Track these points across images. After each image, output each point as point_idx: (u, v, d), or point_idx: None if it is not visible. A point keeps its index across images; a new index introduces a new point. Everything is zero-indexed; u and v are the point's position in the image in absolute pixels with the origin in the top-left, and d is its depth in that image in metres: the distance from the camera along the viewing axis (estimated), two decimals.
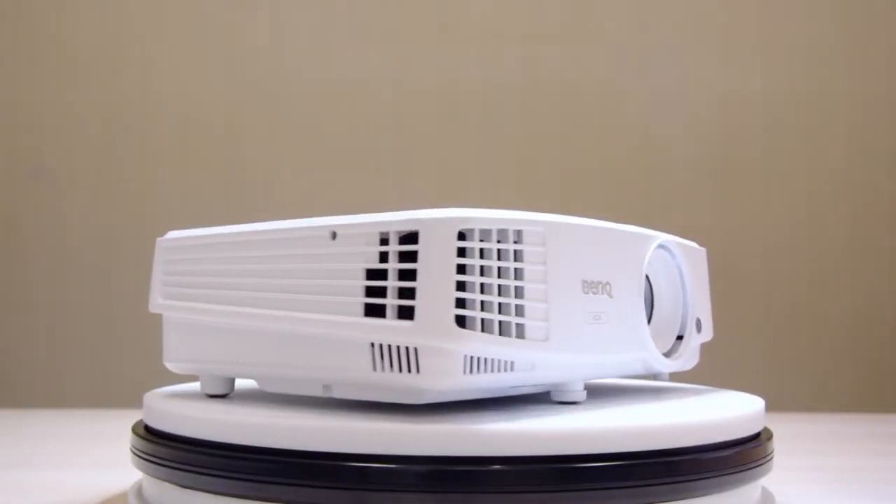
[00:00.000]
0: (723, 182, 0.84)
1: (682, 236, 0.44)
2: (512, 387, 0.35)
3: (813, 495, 0.44)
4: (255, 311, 0.35)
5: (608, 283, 0.36)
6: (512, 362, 0.33)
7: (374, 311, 0.32)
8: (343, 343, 0.33)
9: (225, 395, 0.39)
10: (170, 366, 0.41)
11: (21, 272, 0.82)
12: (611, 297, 0.36)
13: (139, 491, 0.39)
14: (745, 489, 0.36)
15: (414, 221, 0.31)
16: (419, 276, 0.31)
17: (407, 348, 0.31)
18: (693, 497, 0.33)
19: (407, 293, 0.31)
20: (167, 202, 0.83)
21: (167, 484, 0.35)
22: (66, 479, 0.47)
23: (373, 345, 0.32)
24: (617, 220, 0.37)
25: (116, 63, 0.84)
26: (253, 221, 0.37)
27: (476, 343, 0.31)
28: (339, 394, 0.35)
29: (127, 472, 0.45)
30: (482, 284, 0.31)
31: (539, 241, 0.32)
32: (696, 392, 0.43)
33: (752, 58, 0.85)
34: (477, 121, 0.84)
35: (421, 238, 0.31)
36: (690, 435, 0.33)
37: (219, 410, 0.35)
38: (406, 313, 0.31)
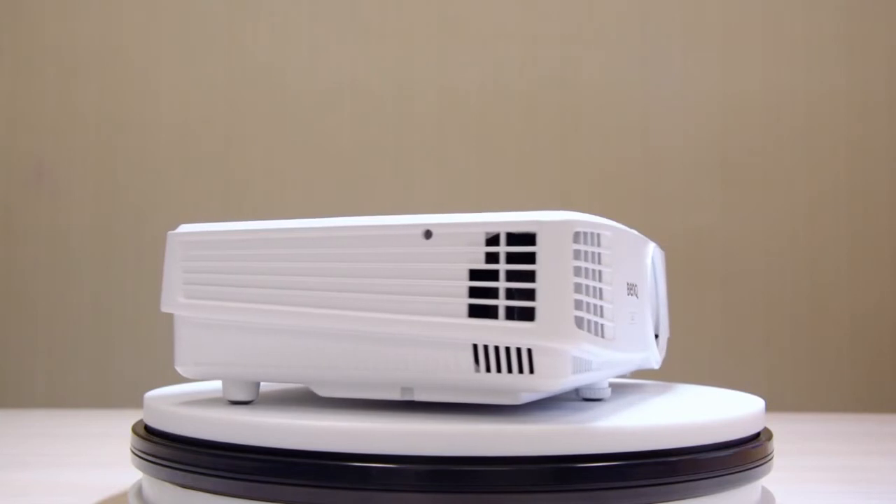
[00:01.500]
0: (723, 182, 0.84)
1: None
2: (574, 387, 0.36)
3: (813, 495, 0.44)
4: (322, 312, 0.34)
5: (635, 285, 0.37)
6: (591, 362, 0.33)
7: (478, 311, 0.32)
8: (438, 344, 0.32)
9: (250, 401, 0.37)
10: (183, 370, 0.37)
11: (21, 272, 0.83)
12: (637, 297, 0.37)
13: (139, 491, 0.39)
14: (745, 489, 0.36)
15: (531, 223, 0.31)
16: (539, 277, 0.31)
17: (519, 349, 0.31)
18: (693, 497, 0.33)
19: (518, 294, 0.31)
20: (167, 202, 0.83)
21: (167, 484, 0.35)
22: (66, 479, 0.47)
23: (476, 346, 0.32)
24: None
25: (116, 63, 0.84)
26: (255, 220, 0.37)
27: (585, 344, 0.31)
28: (420, 396, 0.34)
29: (127, 472, 0.46)
30: (585, 286, 0.31)
31: (610, 244, 0.33)
32: (696, 392, 0.43)
33: (752, 58, 0.85)
34: (477, 121, 0.84)
35: (540, 240, 0.31)
36: (690, 435, 0.33)
37: (219, 410, 0.35)
38: (519, 314, 0.31)
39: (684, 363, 0.82)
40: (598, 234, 0.32)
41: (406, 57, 0.84)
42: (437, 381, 0.33)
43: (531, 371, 0.31)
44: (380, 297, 0.33)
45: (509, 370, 0.32)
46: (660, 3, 0.85)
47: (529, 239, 0.31)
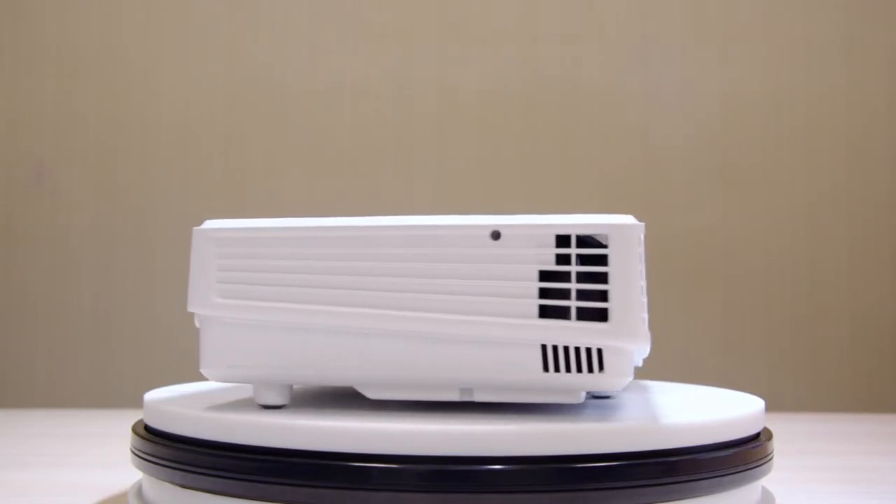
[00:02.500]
0: (723, 182, 0.84)
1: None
2: None
3: (813, 495, 0.44)
4: (380, 313, 0.33)
5: (643, 283, 0.37)
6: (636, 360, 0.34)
7: (548, 312, 0.32)
8: (504, 344, 0.32)
9: (283, 406, 0.36)
10: (213, 373, 0.36)
11: (21, 272, 0.83)
12: (644, 295, 0.37)
13: (139, 491, 0.39)
14: (744, 489, 0.36)
15: (603, 226, 0.32)
16: (612, 278, 0.32)
17: (588, 349, 0.32)
18: (693, 497, 0.33)
19: (588, 295, 0.32)
20: (167, 202, 0.83)
21: (167, 484, 0.35)
22: (66, 479, 0.47)
23: (544, 346, 0.32)
24: None
25: (116, 63, 0.84)
26: (286, 218, 0.36)
27: (645, 343, 0.32)
28: (480, 397, 0.34)
29: (127, 472, 0.46)
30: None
31: (641, 242, 0.33)
32: (696, 392, 0.43)
33: (752, 58, 0.85)
34: (477, 121, 0.84)
35: (612, 242, 0.32)
36: (690, 435, 0.33)
37: (219, 410, 0.35)
38: (586, 314, 0.32)
39: (684, 363, 0.82)
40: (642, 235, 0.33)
41: (406, 57, 0.84)
42: (501, 381, 0.33)
43: (601, 370, 0.32)
44: (443, 298, 0.33)
45: (578, 370, 0.32)
46: (660, 3, 0.85)
47: (599, 241, 0.32)
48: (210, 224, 0.36)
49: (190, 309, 0.36)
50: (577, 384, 0.32)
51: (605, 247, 0.32)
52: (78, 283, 0.82)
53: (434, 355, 0.33)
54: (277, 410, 0.35)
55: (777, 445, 0.39)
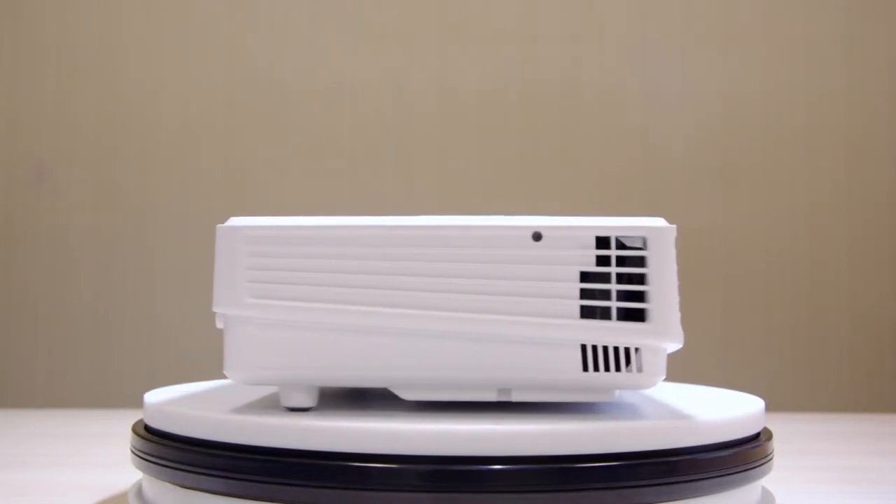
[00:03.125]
0: (723, 182, 0.84)
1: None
2: None
3: (813, 495, 0.44)
4: (419, 313, 0.33)
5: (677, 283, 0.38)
6: None
7: (588, 312, 0.33)
8: (544, 344, 0.33)
9: (310, 408, 0.35)
10: (241, 375, 0.35)
11: (21, 272, 0.83)
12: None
13: (139, 491, 0.39)
14: (744, 489, 0.36)
15: (641, 228, 0.33)
16: (651, 280, 0.33)
17: (627, 349, 0.33)
18: (693, 497, 0.33)
19: (627, 295, 0.33)
20: (167, 202, 0.83)
21: (167, 484, 0.35)
22: (66, 479, 0.47)
23: (584, 346, 0.33)
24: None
25: (116, 63, 0.84)
26: (319, 217, 0.35)
27: (680, 343, 0.33)
28: (518, 396, 0.34)
29: (127, 472, 0.46)
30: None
31: (674, 245, 0.34)
32: (696, 392, 0.43)
33: (752, 58, 0.85)
34: (477, 121, 0.84)
35: (650, 244, 0.33)
36: (690, 435, 0.33)
37: (219, 410, 0.35)
38: (630, 315, 0.33)
39: (684, 363, 0.82)
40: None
41: (406, 57, 0.84)
42: (540, 381, 0.34)
43: (639, 369, 0.33)
44: (483, 298, 0.33)
45: (617, 369, 0.33)
46: (660, 3, 0.85)
47: (623, 242, 0.33)
48: (238, 221, 0.35)
49: (216, 309, 0.35)
50: (614, 383, 0.33)
51: (637, 249, 0.33)
52: (78, 283, 0.82)
53: (474, 355, 0.33)
54: (278, 410, 0.35)
55: (777, 445, 0.39)
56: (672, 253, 0.33)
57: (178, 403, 0.38)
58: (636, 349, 0.33)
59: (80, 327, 0.82)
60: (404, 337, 0.33)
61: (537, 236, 0.33)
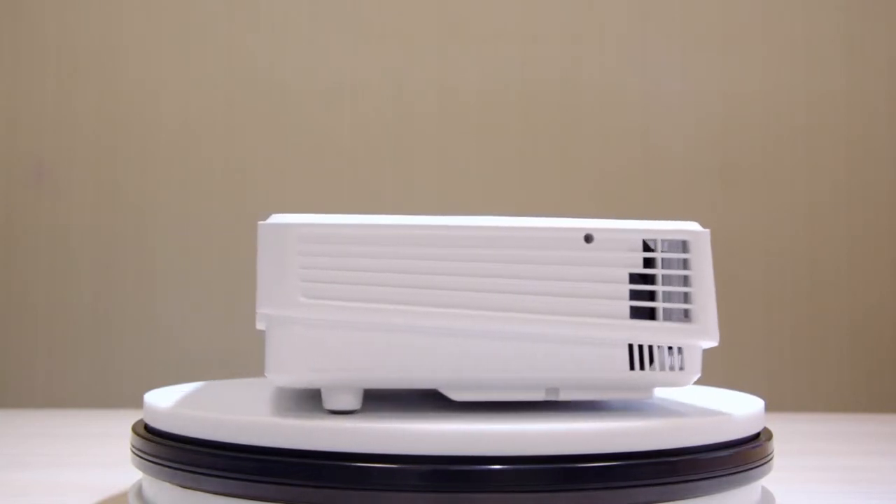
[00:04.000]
0: (723, 182, 0.84)
1: None
2: None
3: (813, 495, 0.44)
4: (474, 313, 0.33)
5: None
6: None
7: (636, 313, 0.34)
8: (593, 344, 0.34)
9: (355, 410, 0.34)
10: (286, 378, 0.34)
11: (21, 272, 0.83)
12: None
13: (139, 491, 0.39)
14: (744, 490, 0.36)
15: (684, 232, 0.35)
16: (694, 281, 0.35)
17: (670, 348, 0.35)
18: (693, 497, 0.33)
19: (671, 297, 0.35)
20: (167, 202, 0.83)
21: (167, 484, 0.35)
22: (66, 479, 0.47)
23: (631, 345, 0.34)
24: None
25: (116, 63, 0.84)
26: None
27: (716, 342, 0.35)
28: (566, 396, 0.35)
29: (127, 472, 0.46)
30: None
31: None
32: (696, 392, 0.43)
33: (752, 58, 0.85)
34: (477, 121, 0.84)
35: (692, 247, 0.35)
36: (690, 435, 0.33)
37: (219, 410, 0.35)
38: (675, 315, 0.35)
39: None
40: None
41: (406, 57, 0.84)
42: (588, 380, 0.34)
43: (680, 368, 0.35)
44: (536, 299, 0.34)
45: (661, 368, 0.35)
46: (660, 3, 0.85)
47: (677, 247, 0.35)
48: (286, 219, 0.34)
49: (264, 310, 0.33)
50: (656, 381, 0.35)
51: (679, 252, 0.35)
52: (78, 283, 0.82)
53: (524, 356, 0.34)
54: (278, 410, 0.35)
55: (777, 445, 0.39)
56: (709, 256, 0.35)
57: (178, 403, 0.38)
58: (678, 348, 0.34)
59: (80, 327, 0.82)
60: (457, 337, 0.34)
61: (588, 238, 0.34)
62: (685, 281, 0.35)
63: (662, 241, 0.34)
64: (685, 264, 0.35)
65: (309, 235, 0.33)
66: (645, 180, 0.84)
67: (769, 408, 0.41)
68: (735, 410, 0.37)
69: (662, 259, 0.34)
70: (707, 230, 0.35)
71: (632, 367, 0.34)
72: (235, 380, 0.48)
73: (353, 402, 0.34)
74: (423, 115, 0.84)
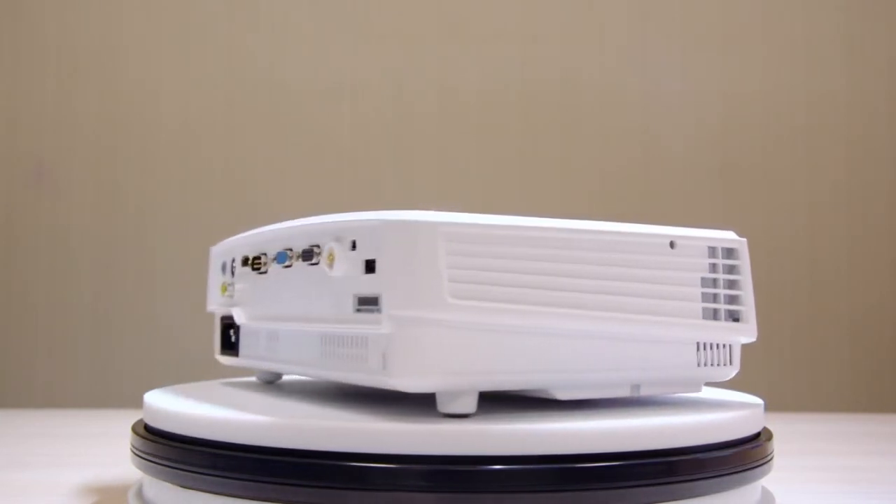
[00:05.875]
0: (723, 182, 0.84)
1: None
2: None
3: (813, 495, 0.44)
4: (581, 314, 0.34)
5: None
6: None
7: (705, 313, 0.37)
8: (669, 343, 0.36)
9: (471, 414, 0.33)
10: (419, 383, 0.32)
11: (21, 272, 0.83)
12: None
13: (139, 491, 0.39)
14: (745, 489, 0.36)
15: (734, 241, 0.39)
16: (743, 285, 0.38)
17: (722, 345, 0.38)
18: (693, 497, 0.33)
19: (726, 299, 0.38)
20: (167, 202, 0.83)
21: (167, 484, 0.35)
22: (66, 479, 0.47)
23: (698, 343, 0.37)
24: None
25: (116, 63, 0.84)
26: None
27: (754, 339, 0.39)
28: (645, 391, 0.37)
29: (127, 472, 0.46)
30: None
31: None
32: (696, 392, 0.43)
33: (752, 58, 0.85)
34: (477, 121, 0.84)
35: (741, 255, 0.38)
36: (690, 435, 0.33)
37: (218, 410, 0.35)
38: (732, 316, 0.38)
39: None
40: None
41: (406, 57, 0.84)
42: (664, 377, 0.37)
43: (730, 363, 0.38)
44: (634, 300, 0.35)
45: (719, 364, 0.38)
46: (660, 3, 0.85)
47: (727, 253, 0.38)
48: (426, 217, 0.32)
49: (403, 312, 0.31)
50: (711, 377, 0.38)
51: (729, 258, 0.38)
52: (78, 283, 0.82)
53: (619, 353, 0.35)
54: (278, 410, 0.35)
55: (777, 445, 0.39)
56: (748, 260, 0.38)
57: (178, 403, 0.38)
58: (729, 346, 0.38)
59: (80, 327, 0.82)
60: (570, 338, 0.34)
61: (673, 244, 0.37)
62: (733, 284, 0.38)
63: (721, 248, 0.38)
64: (733, 269, 0.38)
65: (457, 235, 0.32)
66: (645, 180, 0.84)
67: (769, 408, 0.41)
68: (735, 410, 0.37)
69: (722, 265, 0.38)
70: (744, 239, 0.39)
71: (699, 364, 0.37)
72: (235, 380, 0.48)
73: (472, 404, 0.33)
74: (423, 115, 0.84)
